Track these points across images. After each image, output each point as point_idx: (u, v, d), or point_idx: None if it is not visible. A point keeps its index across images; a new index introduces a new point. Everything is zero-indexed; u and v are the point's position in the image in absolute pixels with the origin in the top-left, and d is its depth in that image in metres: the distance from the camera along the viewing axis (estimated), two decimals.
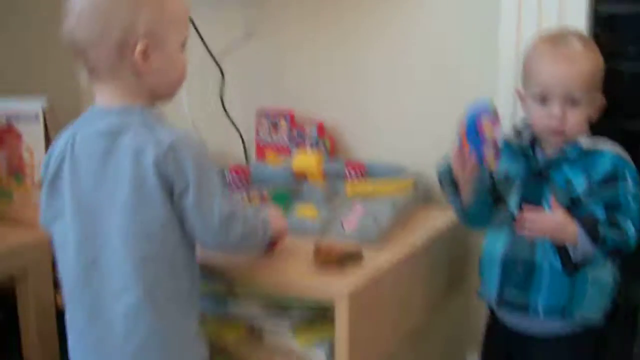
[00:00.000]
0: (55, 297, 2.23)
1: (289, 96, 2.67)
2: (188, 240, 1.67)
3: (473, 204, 1.98)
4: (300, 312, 1.91)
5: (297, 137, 2.58)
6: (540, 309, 1.93)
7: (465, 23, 2.34)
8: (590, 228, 1.81)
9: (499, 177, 1.99)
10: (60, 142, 1.70)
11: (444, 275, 2.25)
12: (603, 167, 1.88)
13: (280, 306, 1.93)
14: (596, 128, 1.97)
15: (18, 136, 2.41)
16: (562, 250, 1.87)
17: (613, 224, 1.82)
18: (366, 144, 2.57)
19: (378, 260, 1.91)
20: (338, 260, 1.84)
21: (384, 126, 2.54)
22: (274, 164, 2.43)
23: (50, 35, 2.79)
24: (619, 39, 2.16)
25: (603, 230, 1.80)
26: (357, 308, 1.75)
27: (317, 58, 2.63)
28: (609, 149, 1.89)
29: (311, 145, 2.55)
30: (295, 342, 1.89)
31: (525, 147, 1.99)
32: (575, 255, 1.85)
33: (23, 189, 2.42)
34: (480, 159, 1.86)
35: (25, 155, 2.41)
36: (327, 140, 2.54)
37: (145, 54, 1.60)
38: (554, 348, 1.98)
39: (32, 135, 2.40)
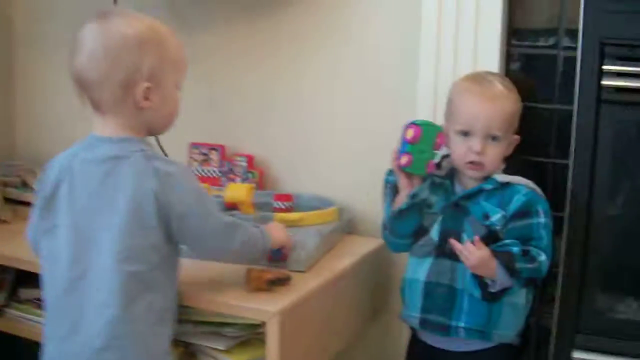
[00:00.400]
0: None
1: (220, 131, 2.75)
2: (172, 262, 1.81)
3: (402, 217, 2.07)
4: (233, 332, 1.97)
5: (228, 170, 2.66)
6: (461, 331, 2.02)
7: (387, 61, 2.45)
8: (508, 263, 1.91)
9: (421, 203, 2.08)
10: (56, 165, 1.81)
11: (368, 299, 2.33)
12: (517, 201, 1.99)
13: (214, 327, 1.99)
14: (509, 161, 2.10)
15: None
16: (481, 282, 1.97)
17: (527, 256, 1.93)
18: (293, 176, 2.66)
19: (305, 283, 2.00)
20: (268, 283, 1.93)
21: (311, 160, 2.63)
22: None
23: None
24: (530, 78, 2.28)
25: (519, 264, 1.91)
26: (286, 327, 1.84)
27: (247, 93, 2.71)
28: (524, 184, 2.01)
29: (241, 178, 2.64)
30: None
31: (444, 179, 2.09)
32: (493, 287, 1.95)
33: None
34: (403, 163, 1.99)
35: None
36: (256, 173, 2.63)
37: (147, 93, 1.74)
38: None
39: None
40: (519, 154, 2.11)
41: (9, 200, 2.66)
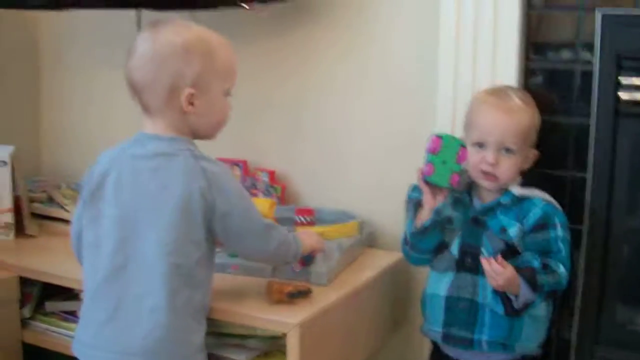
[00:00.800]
0: (21, 335, 2.31)
1: (243, 147, 2.77)
2: (209, 260, 1.86)
3: (425, 234, 2.06)
4: (255, 344, 2.00)
5: (250, 185, 2.69)
6: (484, 344, 2.03)
7: (407, 77, 2.47)
8: (530, 279, 1.92)
9: (443, 219, 2.08)
10: (105, 159, 1.88)
11: (388, 312, 2.34)
12: (535, 214, 2.00)
13: (236, 338, 2.02)
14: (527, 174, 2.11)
15: None
16: (504, 299, 1.97)
17: (547, 269, 1.93)
18: (315, 191, 2.68)
19: (326, 296, 2.02)
20: (289, 296, 1.95)
21: (332, 175, 2.65)
22: None
23: (16, 90, 2.94)
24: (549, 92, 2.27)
25: (541, 278, 1.92)
26: (307, 339, 1.86)
27: (269, 108, 2.75)
28: (540, 197, 2.02)
29: (263, 192, 2.66)
30: None
31: (462, 194, 2.10)
32: (517, 303, 1.95)
33: None
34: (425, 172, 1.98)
35: None
36: (278, 188, 2.65)
37: (190, 99, 1.80)
38: None
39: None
40: (538, 167, 2.12)
41: (35, 215, 2.70)
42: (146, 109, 1.85)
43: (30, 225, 2.61)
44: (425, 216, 2.04)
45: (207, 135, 1.92)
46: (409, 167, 2.06)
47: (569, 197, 2.22)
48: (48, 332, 2.32)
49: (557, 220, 2.00)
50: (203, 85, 1.82)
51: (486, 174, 2.03)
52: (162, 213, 1.77)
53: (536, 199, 2.02)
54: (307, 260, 2.08)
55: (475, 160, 2.03)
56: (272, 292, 1.97)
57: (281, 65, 2.72)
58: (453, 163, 2.00)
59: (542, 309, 2.06)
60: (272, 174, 2.68)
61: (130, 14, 2.57)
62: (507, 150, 2.02)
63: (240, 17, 2.67)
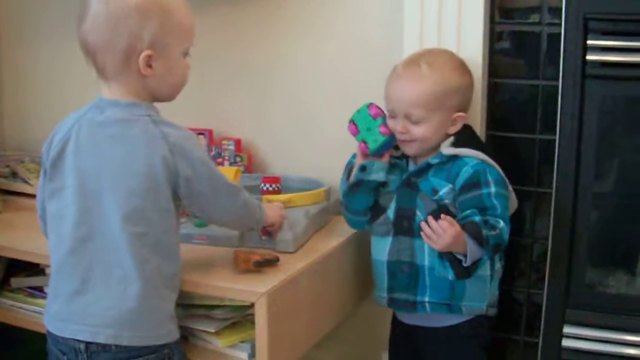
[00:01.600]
0: None
1: (208, 115, 2.76)
2: (175, 228, 1.83)
3: (353, 193, 2.14)
4: (223, 314, 1.98)
5: (216, 154, 2.67)
6: (427, 306, 2.07)
7: (372, 42, 2.47)
8: (475, 233, 1.92)
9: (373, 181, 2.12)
10: (63, 127, 1.82)
11: (356, 280, 2.33)
12: (465, 172, 2.01)
13: (203, 309, 2.00)
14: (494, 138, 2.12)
15: None
16: (453, 260, 1.97)
17: (488, 224, 1.94)
18: (282, 159, 2.67)
19: (293, 264, 2.01)
20: (256, 265, 1.93)
21: (299, 143, 2.64)
22: None
23: None
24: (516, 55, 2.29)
25: (485, 232, 1.92)
26: (274, 308, 1.85)
27: (234, 77, 2.73)
28: (473, 155, 2.02)
29: (229, 161, 2.65)
30: (219, 343, 1.96)
31: (400, 159, 2.14)
32: (465, 261, 1.95)
33: None
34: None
35: None
36: (244, 156, 2.64)
37: (148, 61, 1.74)
38: (449, 336, 2.12)
39: None
40: (506, 130, 2.12)
41: None
42: (102, 73, 1.78)
43: None
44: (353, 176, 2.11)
45: (166, 97, 1.87)
46: None
47: (538, 160, 2.23)
48: (15, 309, 2.29)
49: (489, 178, 2.00)
50: (160, 46, 1.76)
51: (402, 141, 2.09)
52: (124, 181, 1.73)
53: (467, 158, 2.03)
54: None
55: (393, 129, 2.08)
56: (238, 262, 1.95)
57: (248, 33, 2.69)
58: (373, 123, 2.10)
59: (484, 269, 2.06)
60: (238, 143, 2.66)
61: None
62: (414, 118, 2.05)
63: None
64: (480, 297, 2.08)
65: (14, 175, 2.75)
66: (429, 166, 2.06)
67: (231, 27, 2.71)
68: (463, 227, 1.91)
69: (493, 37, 2.28)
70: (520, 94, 2.26)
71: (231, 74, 2.74)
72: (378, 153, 2.09)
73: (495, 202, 1.97)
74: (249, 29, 2.69)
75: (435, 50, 2.18)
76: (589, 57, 2.01)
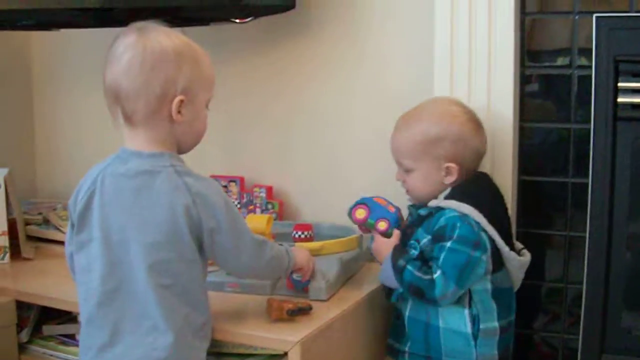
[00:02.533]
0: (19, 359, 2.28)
1: (239, 163, 2.78)
2: (203, 278, 1.82)
3: None
4: None
5: (248, 201, 2.68)
6: (406, 356, 2.08)
7: (402, 87, 2.46)
8: (393, 256, 2.00)
9: None
10: (88, 179, 1.82)
11: (386, 327, 2.28)
12: (438, 224, 2.00)
13: (237, 358, 1.98)
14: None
15: None
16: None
17: (423, 267, 1.97)
18: (313, 206, 2.68)
19: (326, 312, 1.99)
20: (289, 313, 1.92)
21: (330, 190, 2.65)
22: None
23: (9, 112, 2.92)
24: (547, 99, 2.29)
25: (403, 262, 1.98)
26: (308, 356, 1.83)
27: (264, 125, 2.74)
28: (454, 207, 1.99)
29: (261, 209, 2.65)
30: None
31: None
32: (380, 277, 2.07)
33: None
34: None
35: None
36: (276, 203, 2.64)
37: (180, 107, 1.75)
38: None
39: None
40: (538, 174, 2.11)
41: (30, 238, 2.68)
42: (129, 119, 1.77)
43: (26, 248, 2.58)
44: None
45: (189, 146, 1.87)
46: None
47: (571, 204, 2.21)
48: (46, 356, 2.28)
49: (454, 233, 1.97)
50: (191, 93, 1.77)
51: (406, 191, 2.14)
52: (148, 234, 1.73)
53: (447, 210, 2.01)
54: (298, 285, 2.05)
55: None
56: (271, 310, 1.94)
57: (276, 79, 2.71)
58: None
59: (460, 324, 2.01)
60: (269, 190, 2.67)
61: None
62: (405, 168, 2.09)
63: (232, 33, 2.66)
64: (463, 355, 2.02)
65: (46, 222, 2.77)
66: (420, 218, 2.07)
67: (259, 72, 2.74)
68: (395, 247, 2.05)
69: (523, 80, 2.27)
70: (551, 138, 2.26)
71: (261, 120, 2.75)
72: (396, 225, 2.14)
73: (442, 254, 1.95)
74: (278, 74, 2.71)
75: (436, 100, 2.19)
76: (620, 99, 2.01)
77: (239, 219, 1.82)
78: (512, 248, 2.04)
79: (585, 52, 2.17)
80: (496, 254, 2.00)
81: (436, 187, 2.07)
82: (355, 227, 2.28)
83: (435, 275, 1.94)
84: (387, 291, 2.12)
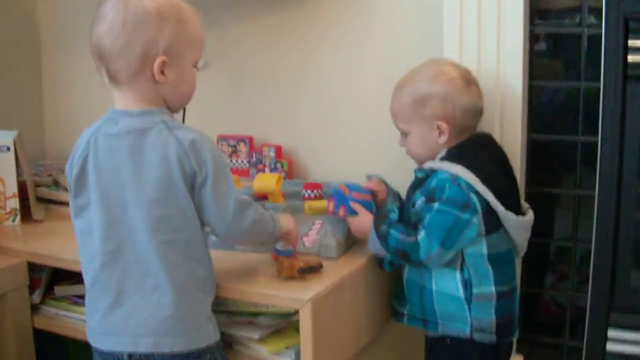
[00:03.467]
0: (32, 320, 2.29)
1: (248, 122, 2.77)
2: (204, 232, 1.83)
3: None
4: (267, 321, 1.98)
5: (257, 161, 2.68)
6: (405, 317, 2.11)
7: (411, 45, 2.46)
8: (376, 224, 2.02)
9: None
10: (81, 142, 1.83)
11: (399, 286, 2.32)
12: (430, 186, 2.01)
13: (248, 317, 2.00)
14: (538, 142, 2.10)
15: None
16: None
17: (407, 230, 1.98)
18: (322, 165, 2.68)
19: (337, 270, 2.00)
20: (300, 271, 1.92)
21: (339, 149, 2.65)
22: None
23: (18, 75, 2.92)
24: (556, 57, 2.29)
25: (386, 227, 1.99)
26: (320, 314, 1.84)
27: (272, 84, 2.74)
28: (445, 169, 1.99)
29: (270, 168, 2.66)
30: (263, 350, 1.96)
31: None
32: (370, 247, 2.06)
33: None
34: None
35: None
36: (285, 162, 2.65)
37: (162, 67, 1.74)
38: (439, 349, 2.11)
39: (3, 165, 2.48)
40: (547, 133, 2.11)
41: (41, 200, 2.69)
42: (114, 79, 1.78)
43: (37, 210, 2.59)
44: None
45: (177, 106, 1.87)
46: None
47: (580, 162, 2.22)
48: (59, 317, 2.30)
49: (443, 194, 1.97)
50: (175, 54, 1.76)
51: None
52: (144, 191, 1.74)
53: (440, 172, 2.01)
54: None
55: None
56: (282, 268, 1.94)
57: (285, 40, 2.71)
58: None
59: (452, 287, 2.02)
60: (278, 149, 2.67)
61: None
62: (401, 131, 2.12)
63: None
64: (457, 319, 2.02)
65: (56, 184, 2.77)
66: (418, 180, 2.08)
67: (268, 32, 2.73)
68: (375, 217, 2.07)
69: (532, 39, 2.27)
70: (560, 96, 2.25)
71: (269, 81, 2.75)
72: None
73: (429, 215, 1.96)
74: (285, 34, 2.70)
75: (428, 61, 2.17)
76: (630, 58, 2.00)
77: (226, 175, 1.81)
78: (517, 208, 2.04)
79: (595, 10, 2.16)
80: (491, 215, 1.99)
81: (432, 148, 2.07)
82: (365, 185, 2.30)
83: (419, 237, 1.95)
84: (379, 261, 2.13)
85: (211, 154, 1.76)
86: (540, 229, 2.11)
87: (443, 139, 2.05)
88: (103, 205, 1.78)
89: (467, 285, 2.00)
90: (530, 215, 2.07)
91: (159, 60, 1.74)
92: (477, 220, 1.96)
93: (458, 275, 2.00)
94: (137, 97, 1.78)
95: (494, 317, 2.01)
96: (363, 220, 2.08)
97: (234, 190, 1.81)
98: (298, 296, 1.84)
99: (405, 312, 2.11)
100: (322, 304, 1.86)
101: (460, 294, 2.01)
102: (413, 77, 2.09)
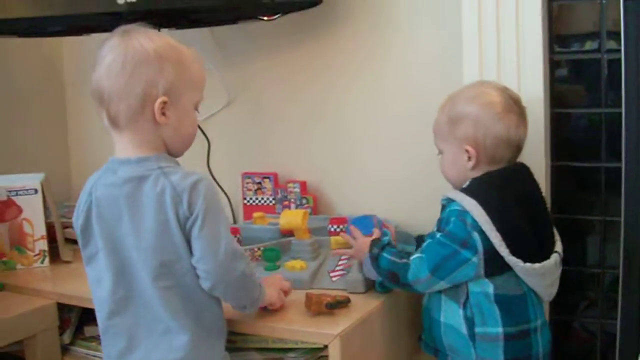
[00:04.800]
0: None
1: (272, 158, 2.78)
2: None
3: None
4: (296, 357, 1.98)
5: (282, 197, 2.69)
6: (421, 344, 2.10)
7: (430, 77, 2.46)
8: (370, 247, 2.02)
9: None
10: (84, 194, 1.84)
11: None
12: (443, 214, 2.00)
13: (277, 352, 2.00)
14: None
15: (19, 209, 2.50)
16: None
17: (400, 253, 1.99)
18: (347, 200, 2.67)
19: (364, 304, 2.01)
20: (328, 306, 1.93)
21: (364, 183, 2.65)
22: (261, 223, 2.49)
23: (43, 117, 2.94)
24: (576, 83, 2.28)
25: (377, 250, 2.00)
26: (348, 349, 1.85)
27: (295, 119, 2.75)
28: (458, 201, 1.94)
29: (296, 204, 2.66)
30: None
31: None
32: (363, 269, 2.08)
33: (25, 260, 2.52)
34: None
35: (26, 226, 2.52)
36: (310, 198, 2.65)
37: (163, 108, 1.74)
38: None
39: (31, 208, 2.51)
40: (571, 160, 2.11)
41: (69, 241, 2.70)
42: (114, 122, 1.78)
43: (65, 251, 2.60)
44: None
45: (178, 149, 1.85)
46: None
47: (604, 188, 2.21)
48: (89, 357, 2.31)
49: (447, 226, 1.95)
50: (175, 94, 1.76)
51: None
52: (143, 239, 1.73)
53: (453, 203, 1.97)
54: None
55: None
56: (310, 304, 1.96)
57: (304, 74, 2.72)
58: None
59: (456, 321, 1.97)
60: (303, 185, 2.68)
61: None
62: (438, 148, 2.09)
63: (259, 30, 2.68)
64: (463, 354, 1.98)
65: None
66: (442, 206, 2.05)
67: (288, 67, 2.75)
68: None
69: (552, 66, 2.27)
70: (582, 123, 2.25)
71: (291, 116, 2.76)
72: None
73: (429, 241, 1.96)
74: (305, 69, 2.72)
75: (475, 82, 2.16)
76: None
77: (218, 218, 1.76)
78: (534, 252, 1.95)
79: (614, 35, 2.16)
80: (496, 257, 1.90)
81: (461, 172, 2.02)
82: (389, 219, 2.30)
83: (412, 258, 1.95)
84: (372, 283, 2.12)
85: (204, 196, 1.73)
86: (567, 256, 2.09)
87: (471, 164, 1.99)
88: (110, 254, 1.78)
89: (469, 323, 1.95)
90: (548, 262, 1.96)
91: (159, 100, 1.74)
92: (477, 260, 1.91)
93: (461, 312, 1.95)
94: (137, 140, 1.78)
95: (502, 358, 1.94)
96: (363, 245, 2.07)
97: (226, 236, 1.77)
98: (327, 331, 1.85)
99: (422, 337, 2.11)
100: (351, 339, 1.87)
101: (463, 330, 1.96)
102: (455, 95, 2.06)
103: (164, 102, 1.75)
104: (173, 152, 1.84)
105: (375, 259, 2.00)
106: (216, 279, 1.76)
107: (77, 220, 1.84)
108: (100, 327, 1.85)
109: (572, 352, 2.28)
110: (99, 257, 1.81)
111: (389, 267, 1.97)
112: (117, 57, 1.74)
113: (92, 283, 1.86)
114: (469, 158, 1.99)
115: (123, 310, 1.78)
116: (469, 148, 1.98)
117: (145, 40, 1.76)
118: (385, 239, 2.07)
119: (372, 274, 2.04)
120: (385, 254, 1.99)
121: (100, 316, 1.84)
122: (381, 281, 2.07)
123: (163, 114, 1.76)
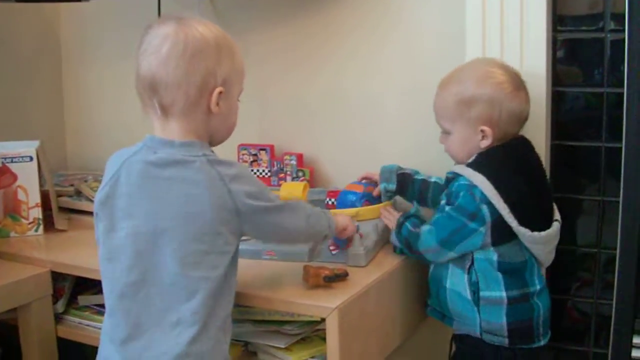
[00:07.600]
0: (55, 329, 2.29)
1: (269, 131, 2.78)
2: (233, 269, 1.78)
3: None
4: (293, 329, 1.98)
5: (278, 169, 2.68)
6: (428, 309, 2.17)
7: (433, 54, 2.46)
8: (399, 217, 2.15)
9: None
10: (112, 165, 1.79)
11: (421, 293, 2.30)
12: (451, 188, 2.04)
13: (274, 325, 2.00)
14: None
15: (13, 177, 2.49)
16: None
17: (416, 223, 2.10)
18: (344, 173, 2.65)
19: (363, 278, 2.00)
20: (326, 280, 1.92)
21: (360, 156, 2.64)
22: None
23: (39, 85, 2.93)
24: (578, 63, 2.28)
25: (402, 219, 2.13)
26: (346, 323, 1.84)
27: (292, 92, 2.75)
28: (466, 175, 2.00)
29: (292, 176, 2.66)
30: (289, 359, 1.95)
31: None
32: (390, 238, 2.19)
33: (19, 227, 2.51)
34: None
35: (20, 194, 2.50)
36: (307, 171, 2.65)
37: (219, 98, 1.74)
38: (463, 345, 2.15)
39: (26, 175, 2.49)
40: (571, 139, 2.10)
41: (63, 209, 2.70)
42: (167, 111, 1.75)
43: (59, 220, 2.59)
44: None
45: (221, 139, 1.85)
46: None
47: (604, 168, 2.21)
48: (82, 326, 2.31)
49: (457, 200, 2.01)
50: (229, 85, 1.77)
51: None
52: (184, 225, 1.69)
53: (461, 177, 2.03)
54: (340, 243, 2.06)
55: None
56: (308, 277, 1.95)
57: (306, 46, 2.72)
58: None
59: (462, 287, 2.05)
60: (300, 157, 2.67)
61: (150, 1, 2.57)
62: (443, 130, 2.11)
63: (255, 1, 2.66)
64: (467, 318, 2.06)
65: (78, 194, 2.78)
66: (447, 180, 2.11)
67: (287, 39, 2.75)
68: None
69: (555, 45, 2.26)
70: (584, 102, 2.25)
71: (289, 88, 2.76)
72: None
73: (439, 214, 2.05)
74: (305, 41, 2.72)
75: (477, 60, 2.18)
76: None
77: (271, 195, 1.81)
78: (540, 222, 2.02)
79: (617, 16, 2.15)
80: (504, 227, 1.97)
81: (472, 150, 2.06)
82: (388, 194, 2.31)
83: (423, 229, 2.03)
84: (394, 248, 2.22)
85: (253, 183, 1.77)
86: (564, 236, 2.10)
87: (485, 142, 2.04)
88: (133, 234, 1.73)
89: (474, 287, 2.02)
90: (551, 230, 2.04)
91: (217, 90, 1.74)
92: (485, 230, 1.98)
93: (465, 277, 2.03)
94: (184, 128, 1.76)
95: (504, 321, 2.02)
96: (387, 216, 2.24)
97: (284, 202, 1.84)
98: (324, 304, 1.84)
99: (429, 303, 2.17)
100: (349, 312, 1.86)
101: (467, 295, 2.03)
102: (459, 76, 2.08)
103: (220, 93, 1.75)
104: (214, 141, 1.84)
105: (399, 227, 2.12)
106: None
107: (100, 191, 1.79)
108: (108, 308, 1.80)
109: (566, 331, 2.28)
110: (117, 234, 1.76)
111: (407, 235, 2.08)
112: (175, 45, 1.71)
113: (102, 259, 1.80)
114: (484, 137, 2.04)
115: (133, 294, 1.73)
116: (485, 128, 2.03)
117: (204, 29, 1.75)
118: (412, 209, 2.15)
119: (396, 241, 2.15)
120: (407, 223, 2.08)
121: (110, 296, 1.78)
122: (402, 247, 2.14)
123: (217, 104, 1.75)
